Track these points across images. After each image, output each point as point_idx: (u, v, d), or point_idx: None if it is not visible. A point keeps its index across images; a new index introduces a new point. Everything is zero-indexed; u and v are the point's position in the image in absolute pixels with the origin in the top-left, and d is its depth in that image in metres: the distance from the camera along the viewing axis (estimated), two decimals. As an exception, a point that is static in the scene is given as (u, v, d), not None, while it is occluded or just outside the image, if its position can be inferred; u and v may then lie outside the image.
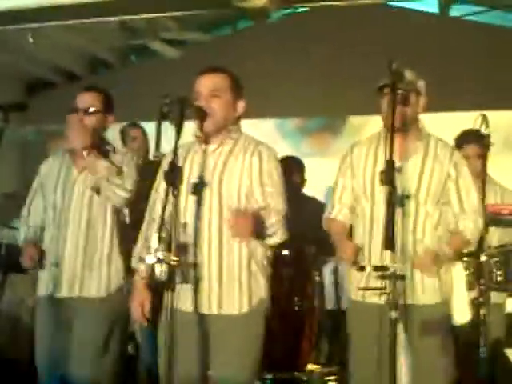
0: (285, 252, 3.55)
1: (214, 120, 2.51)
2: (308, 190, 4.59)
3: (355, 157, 2.78)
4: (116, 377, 3.03)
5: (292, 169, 4.22)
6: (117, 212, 2.99)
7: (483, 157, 3.35)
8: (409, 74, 2.63)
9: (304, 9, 5.65)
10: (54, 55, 6.92)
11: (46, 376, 2.95)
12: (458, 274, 3.02)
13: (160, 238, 2.13)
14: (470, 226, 2.70)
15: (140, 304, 2.56)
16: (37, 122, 6.68)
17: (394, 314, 2.09)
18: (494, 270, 3.22)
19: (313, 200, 4.37)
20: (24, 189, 3.36)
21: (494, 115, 3.29)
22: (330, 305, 4.04)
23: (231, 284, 2.47)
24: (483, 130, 3.07)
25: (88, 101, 3.00)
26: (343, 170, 2.82)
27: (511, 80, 5.86)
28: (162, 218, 2.17)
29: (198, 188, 2.47)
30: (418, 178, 2.64)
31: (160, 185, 2.63)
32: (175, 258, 2.15)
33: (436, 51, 6.01)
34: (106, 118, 3.05)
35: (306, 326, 3.59)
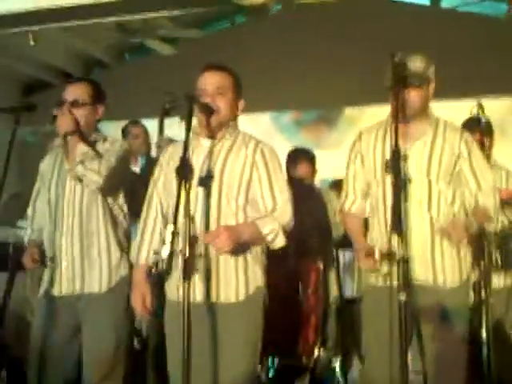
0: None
1: (218, 117, 2.57)
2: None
3: (364, 143, 2.82)
4: (126, 371, 3.08)
5: (302, 160, 4.24)
6: (108, 202, 2.96)
7: (484, 143, 3.42)
8: (418, 63, 2.65)
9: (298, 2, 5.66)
10: (50, 56, 6.95)
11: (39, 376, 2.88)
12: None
13: (174, 232, 2.19)
14: (490, 202, 2.73)
15: (141, 296, 2.60)
16: (33, 122, 6.69)
17: (402, 297, 2.15)
18: (494, 253, 3.30)
19: (315, 190, 4.40)
20: (23, 189, 3.39)
21: (487, 103, 3.37)
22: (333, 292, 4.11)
23: (228, 273, 2.52)
24: (484, 117, 3.14)
25: (75, 93, 2.94)
26: (353, 158, 2.86)
27: (503, 68, 5.95)
28: (176, 212, 2.21)
29: (206, 181, 2.51)
30: (428, 158, 2.67)
31: (159, 179, 2.69)
32: (189, 251, 2.23)
33: (429, 42, 6.07)
34: (96, 108, 2.99)
35: (311, 313, 3.66)
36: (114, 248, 2.96)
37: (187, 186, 2.25)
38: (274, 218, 2.53)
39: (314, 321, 3.65)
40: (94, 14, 5.08)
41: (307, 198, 4.01)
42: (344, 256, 4.37)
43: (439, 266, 2.66)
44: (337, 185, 5.13)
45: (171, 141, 3.82)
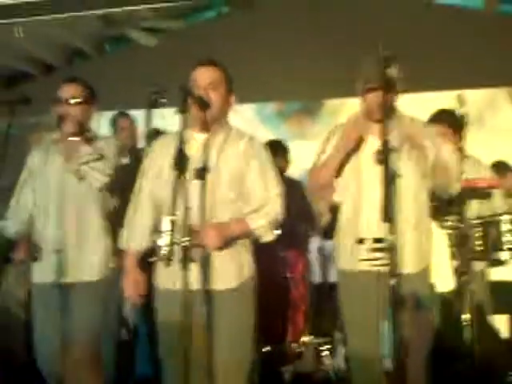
0: (277, 231, 3.68)
1: (211, 111, 2.63)
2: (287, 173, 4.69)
3: (339, 134, 2.89)
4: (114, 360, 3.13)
5: (276, 152, 4.34)
6: (102, 195, 3.08)
7: (454, 135, 3.53)
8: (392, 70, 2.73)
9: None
10: (31, 47, 6.87)
11: (49, 364, 2.99)
12: (441, 244, 3.23)
13: (172, 222, 2.26)
14: (452, 157, 2.84)
15: (134, 283, 2.66)
16: (15, 114, 6.63)
17: (393, 282, 2.24)
18: (475, 241, 3.42)
19: (298, 183, 4.50)
20: (6, 182, 3.42)
21: (467, 93, 3.46)
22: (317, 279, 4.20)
23: (220, 261, 2.58)
24: (460, 109, 3.24)
25: (71, 92, 3.09)
26: (327, 149, 2.93)
27: (483, 60, 6.05)
28: (174, 203, 2.29)
29: (201, 173, 2.57)
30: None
31: (149, 170, 2.75)
32: (187, 240, 2.30)
33: (408, 33, 6.16)
34: (89, 108, 3.15)
35: (298, 300, 3.75)
36: (105, 238, 3.07)
37: (184, 177, 2.33)
38: (264, 212, 2.62)
39: (303, 308, 3.73)
40: (77, 8, 5.07)
41: (290, 190, 4.08)
42: (328, 246, 4.46)
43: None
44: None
45: (158, 132, 3.86)
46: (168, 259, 2.21)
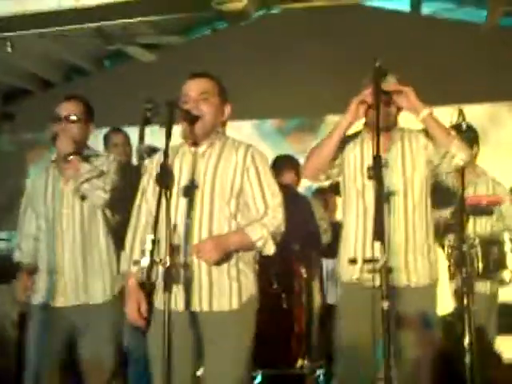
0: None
1: (203, 123, 2.55)
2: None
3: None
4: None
5: (288, 167, 4.25)
6: (106, 215, 3.05)
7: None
8: (391, 78, 2.76)
9: (277, 10, 5.67)
10: (28, 63, 6.87)
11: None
12: (440, 263, 3.12)
13: (154, 240, 2.17)
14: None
15: (136, 305, 2.56)
16: (12, 131, 6.63)
17: (385, 304, 2.15)
18: (476, 260, 3.31)
19: (303, 198, 4.41)
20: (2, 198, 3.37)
21: (467, 109, 3.38)
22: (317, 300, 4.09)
23: (221, 281, 2.50)
24: (463, 124, 3.17)
25: (70, 109, 3.06)
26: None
27: (482, 75, 6.00)
28: (156, 221, 2.20)
29: (190, 190, 2.50)
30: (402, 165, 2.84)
31: (148, 188, 2.66)
32: (169, 259, 2.20)
33: (409, 48, 6.12)
34: (88, 125, 3.12)
35: (294, 322, 3.64)
36: (113, 258, 3.04)
37: (168, 193, 2.23)
38: (264, 223, 2.52)
39: (298, 330, 3.62)
40: (74, 21, 5.04)
41: (295, 205, 3.99)
42: (327, 265, 4.37)
43: (412, 267, 2.79)
44: (321, 192, 5.15)
45: (152, 149, 3.78)
46: (147, 280, 2.11)
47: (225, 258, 2.46)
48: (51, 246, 3.01)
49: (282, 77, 6.39)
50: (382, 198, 2.19)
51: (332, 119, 6.59)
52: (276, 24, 6.47)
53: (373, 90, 2.51)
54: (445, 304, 3.34)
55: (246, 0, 4.07)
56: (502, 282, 3.51)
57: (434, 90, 5.87)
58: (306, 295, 3.74)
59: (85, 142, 3.13)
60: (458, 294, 3.15)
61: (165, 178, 2.24)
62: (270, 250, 2.53)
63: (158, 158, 2.69)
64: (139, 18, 4.92)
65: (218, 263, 2.46)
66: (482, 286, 3.53)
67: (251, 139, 6.43)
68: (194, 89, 2.58)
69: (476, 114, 5.31)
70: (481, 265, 3.31)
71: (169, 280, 2.17)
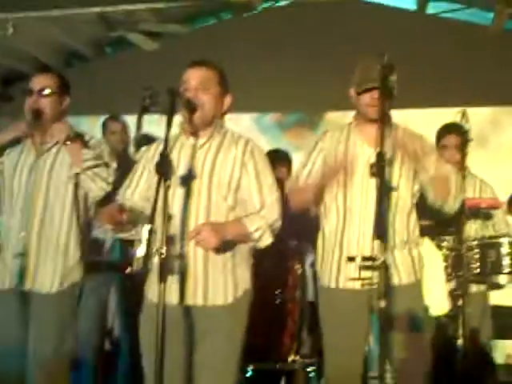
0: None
1: (202, 113, 2.52)
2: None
3: (327, 143, 2.83)
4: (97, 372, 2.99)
5: (280, 162, 4.22)
6: (77, 200, 2.90)
7: (462, 148, 3.45)
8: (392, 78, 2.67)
9: (285, 2, 5.64)
10: (30, 46, 6.82)
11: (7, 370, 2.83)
12: (437, 265, 3.10)
13: (150, 230, 2.13)
14: (452, 171, 2.78)
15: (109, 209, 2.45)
16: (12, 114, 6.57)
17: (382, 303, 2.12)
18: (472, 263, 3.31)
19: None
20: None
21: (471, 111, 3.37)
22: (309, 296, 4.07)
23: (216, 275, 2.48)
24: (466, 124, 3.16)
25: (42, 82, 2.92)
26: (315, 156, 2.85)
27: (485, 77, 5.98)
28: (154, 210, 2.15)
29: (188, 181, 2.47)
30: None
31: (142, 175, 2.62)
32: (165, 250, 2.17)
33: (412, 48, 6.09)
34: (62, 99, 2.98)
35: (287, 317, 3.62)
36: (73, 247, 2.90)
37: (166, 183, 2.19)
38: (261, 216, 2.51)
39: (291, 325, 3.60)
40: (77, 4, 5.01)
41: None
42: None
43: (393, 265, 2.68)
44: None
45: (149, 138, 3.75)
46: (143, 270, 2.08)
47: (221, 248, 2.43)
48: (12, 224, 2.86)
49: (284, 71, 6.35)
50: (383, 194, 2.17)
51: (332, 116, 6.58)
52: (279, 17, 6.45)
53: (379, 86, 2.45)
54: (440, 305, 3.32)
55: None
56: (497, 286, 3.52)
57: (434, 91, 5.89)
58: (299, 291, 3.71)
59: (58, 116, 2.96)
60: (453, 296, 3.15)
61: (164, 168, 2.20)
62: (267, 241, 2.52)
63: (156, 146, 2.66)
64: (143, 5, 4.88)
65: (216, 251, 2.43)
66: (478, 289, 3.53)
67: (250, 132, 6.40)
68: (194, 77, 2.54)
69: (474, 116, 5.29)
70: (477, 267, 3.32)
71: (164, 270, 2.14)
